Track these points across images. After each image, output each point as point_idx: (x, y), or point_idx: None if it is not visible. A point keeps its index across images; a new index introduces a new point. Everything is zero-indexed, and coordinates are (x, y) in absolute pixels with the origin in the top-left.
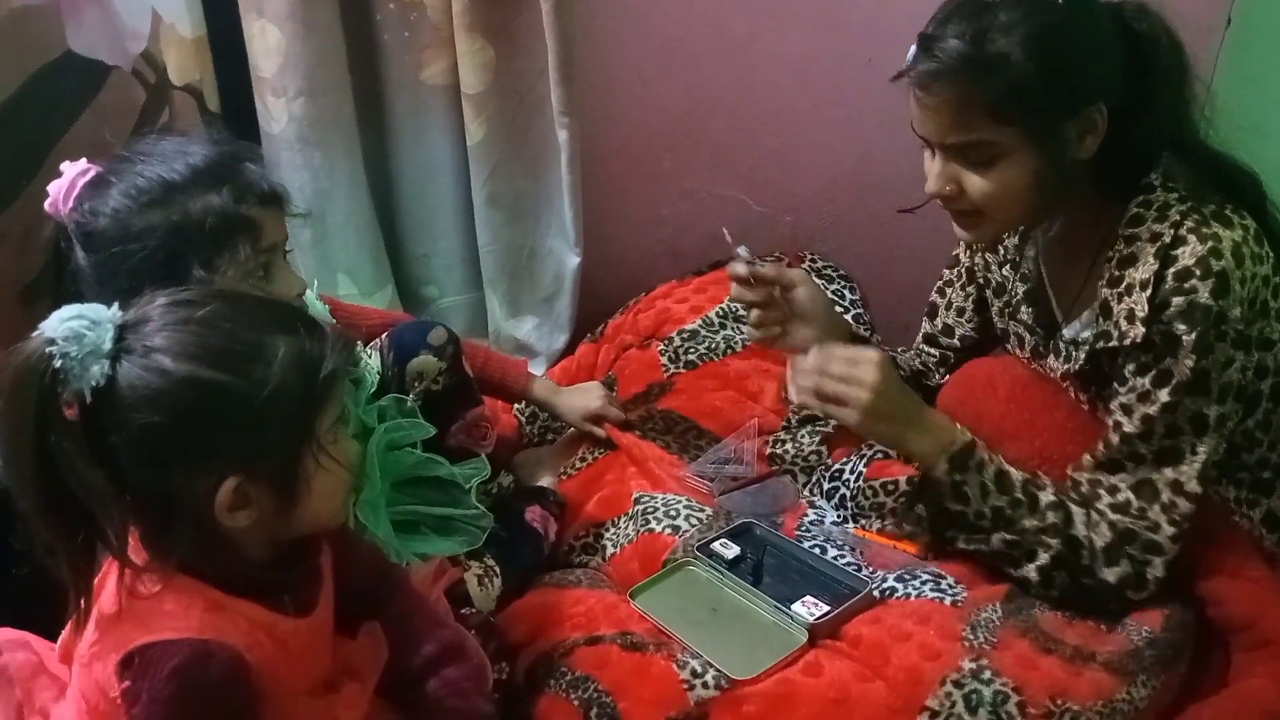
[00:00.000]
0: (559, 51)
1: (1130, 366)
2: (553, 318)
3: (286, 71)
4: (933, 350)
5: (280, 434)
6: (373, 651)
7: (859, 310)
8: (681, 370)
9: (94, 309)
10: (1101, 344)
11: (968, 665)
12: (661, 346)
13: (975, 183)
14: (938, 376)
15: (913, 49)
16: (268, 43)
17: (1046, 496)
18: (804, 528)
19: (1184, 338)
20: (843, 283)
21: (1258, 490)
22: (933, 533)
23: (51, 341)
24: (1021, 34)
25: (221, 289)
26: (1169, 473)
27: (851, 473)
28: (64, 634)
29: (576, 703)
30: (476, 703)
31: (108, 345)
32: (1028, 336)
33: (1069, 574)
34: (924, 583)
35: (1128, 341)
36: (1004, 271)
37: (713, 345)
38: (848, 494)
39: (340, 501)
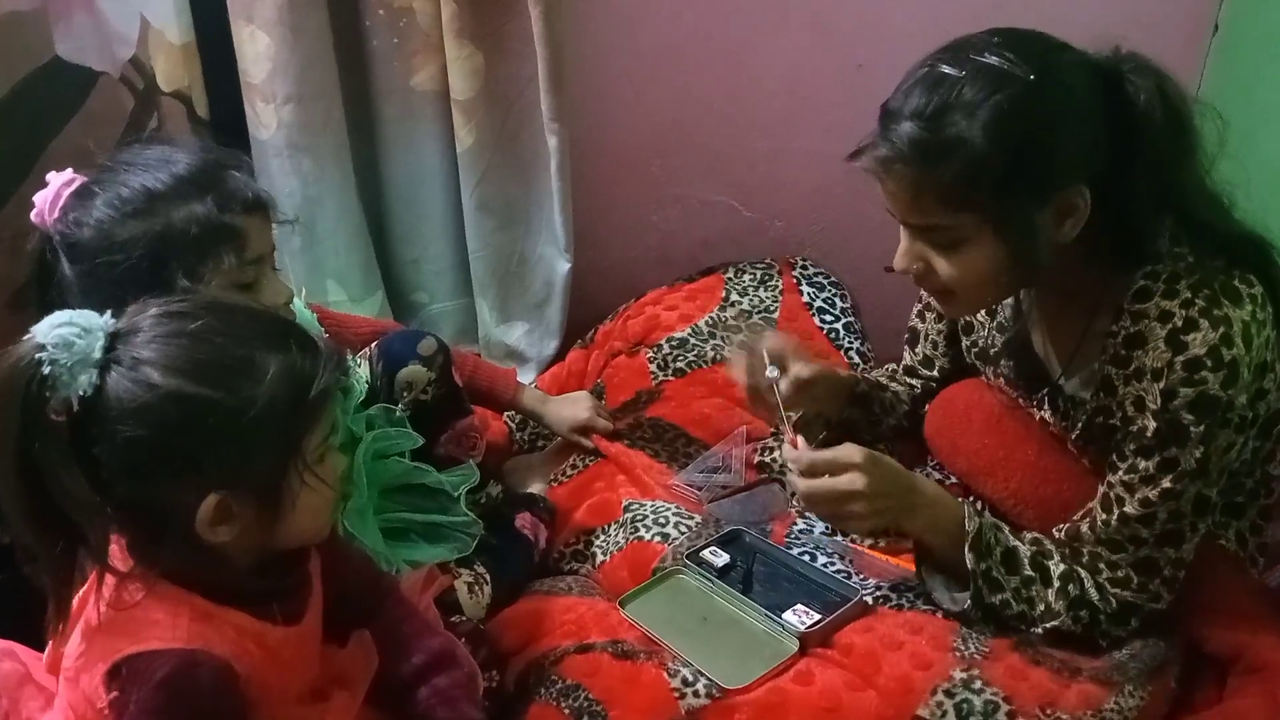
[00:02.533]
0: (549, 58)
1: (1132, 446)
2: (543, 324)
3: (276, 77)
4: (914, 381)
5: (266, 451)
6: (362, 660)
7: (850, 318)
8: (670, 378)
9: (86, 316)
10: (1101, 419)
11: (959, 675)
12: (650, 354)
13: (941, 264)
14: (917, 408)
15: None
16: (257, 48)
17: (1056, 567)
18: (793, 535)
19: (1192, 429)
20: (834, 290)
21: (1229, 514)
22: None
23: (41, 347)
24: (984, 116)
25: (214, 301)
26: (1170, 552)
27: None
28: (51, 644)
29: (567, 711)
30: (467, 710)
31: (97, 354)
32: (1009, 389)
33: (1084, 630)
34: (917, 596)
35: (1134, 428)
36: (979, 316)
37: (701, 353)
38: None
39: (325, 518)
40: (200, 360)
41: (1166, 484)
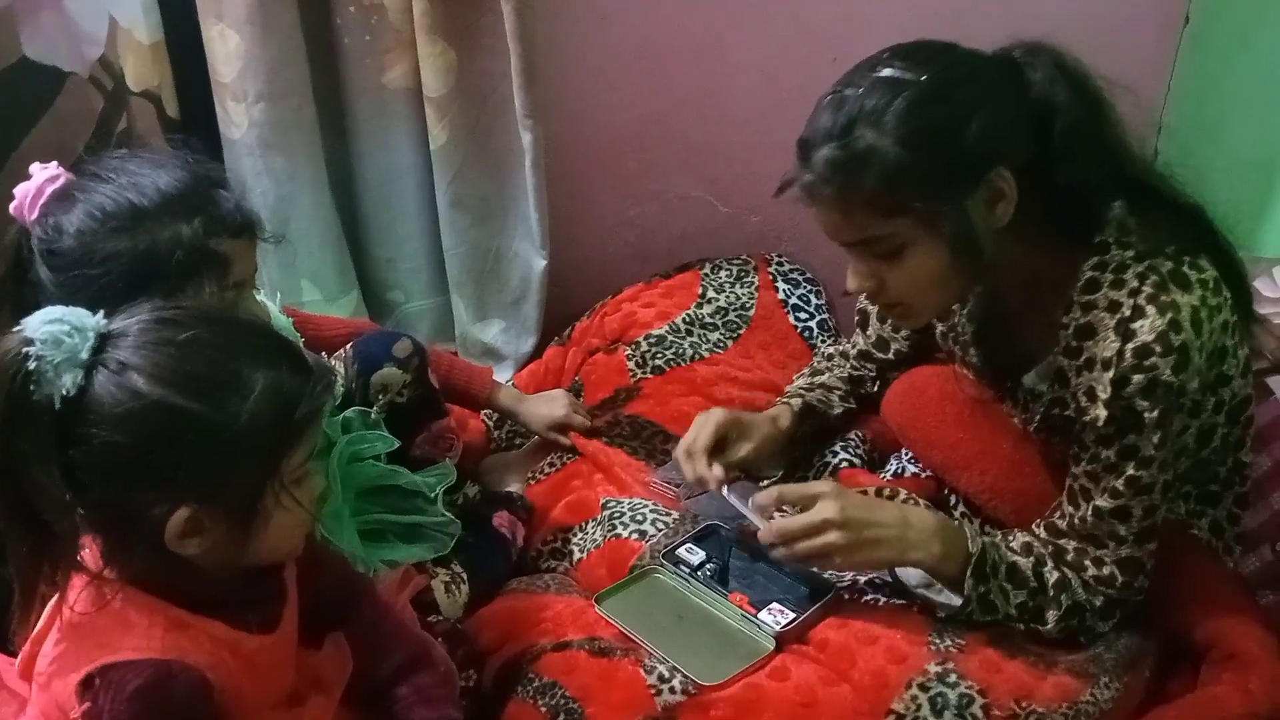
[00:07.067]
0: (521, 53)
1: (1092, 436)
2: (520, 321)
3: (246, 76)
4: (869, 365)
5: (244, 469)
6: (338, 662)
7: (824, 315)
8: (649, 375)
9: (79, 314)
10: (1057, 410)
11: (934, 669)
12: (629, 351)
13: (890, 276)
14: (875, 387)
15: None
16: (227, 47)
17: (1051, 574)
18: None
19: (1147, 415)
20: (809, 286)
21: (1204, 502)
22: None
23: (30, 342)
24: (889, 122)
25: (208, 311)
26: (1150, 547)
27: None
28: (24, 650)
29: (544, 709)
30: (444, 710)
31: (85, 355)
32: (977, 380)
33: (1069, 636)
34: (893, 590)
35: (1088, 418)
36: None
37: (680, 351)
38: None
39: (298, 538)
40: (187, 371)
41: (1131, 472)
